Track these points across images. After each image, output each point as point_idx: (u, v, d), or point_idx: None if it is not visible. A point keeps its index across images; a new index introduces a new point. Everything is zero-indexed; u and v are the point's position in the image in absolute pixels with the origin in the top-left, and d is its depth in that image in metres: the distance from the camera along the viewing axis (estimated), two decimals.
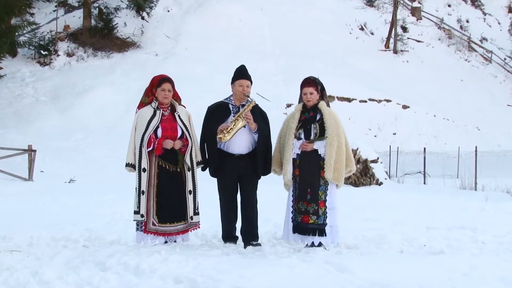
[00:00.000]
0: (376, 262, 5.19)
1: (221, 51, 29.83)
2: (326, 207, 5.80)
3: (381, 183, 16.14)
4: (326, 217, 5.79)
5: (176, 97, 6.09)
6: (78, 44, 28.96)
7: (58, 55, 28.01)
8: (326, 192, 5.82)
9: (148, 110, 5.94)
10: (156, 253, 5.37)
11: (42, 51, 27.41)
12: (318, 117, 5.91)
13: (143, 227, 5.90)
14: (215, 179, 6.20)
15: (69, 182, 14.76)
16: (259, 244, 6.00)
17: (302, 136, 5.89)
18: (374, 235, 6.51)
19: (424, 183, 17.33)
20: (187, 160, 5.91)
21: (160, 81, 5.93)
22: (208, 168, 6.15)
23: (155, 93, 5.95)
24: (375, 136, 26.48)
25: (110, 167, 17.94)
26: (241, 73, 6.17)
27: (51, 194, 11.18)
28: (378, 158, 17.01)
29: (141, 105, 6.03)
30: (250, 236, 6.05)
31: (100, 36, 29.05)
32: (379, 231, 6.83)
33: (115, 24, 30.16)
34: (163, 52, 29.39)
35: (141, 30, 31.18)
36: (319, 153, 5.81)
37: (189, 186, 5.94)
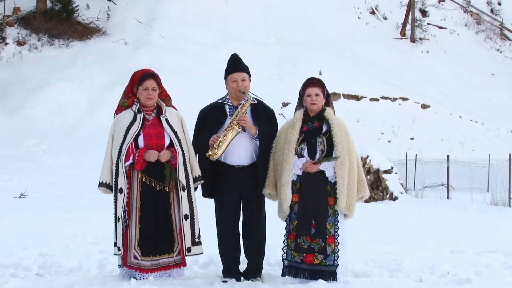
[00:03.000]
0: None
1: (204, 39, 29.83)
2: (338, 242, 5.54)
3: (396, 198, 16.18)
4: (338, 256, 5.52)
5: (165, 96, 5.85)
6: (30, 30, 28.87)
7: (6, 44, 27.90)
8: (337, 225, 5.57)
9: (127, 115, 5.68)
10: (125, 283, 5.36)
11: None
12: (324, 128, 5.68)
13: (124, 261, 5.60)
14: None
15: (19, 197, 14.70)
16: (260, 280, 5.84)
17: (305, 152, 5.62)
18: (387, 261, 6.52)
19: (448, 197, 17.36)
20: (181, 176, 5.62)
21: (141, 77, 5.67)
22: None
23: (137, 93, 5.70)
24: (388, 141, 26.54)
25: (70, 179, 17.89)
26: (234, 65, 5.91)
27: None
28: (392, 168, 17.06)
29: (120, 109, 5.78)
30: (252, 271, 5.88)
31: (58, 21, 28.97)
32: (393, 255, 6.84)
33: (76, 7, 30.11)
34: (134, 40, 29.36)
35: (107, 14, 31.15)
36: (327, 175, 5.58)
37: (185, 209, 5.62)
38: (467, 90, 32.18)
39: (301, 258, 5.56)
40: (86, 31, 29.66)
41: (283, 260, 5.66)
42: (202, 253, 5.80)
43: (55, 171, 18.97)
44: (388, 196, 16.34)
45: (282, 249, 5.67)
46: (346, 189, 5.55)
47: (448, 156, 19.08)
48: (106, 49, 28.28)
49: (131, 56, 26.85)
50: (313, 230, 5.56)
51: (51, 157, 20.46)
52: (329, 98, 5.86)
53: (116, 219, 5.55)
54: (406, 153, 21.33)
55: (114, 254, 5.67)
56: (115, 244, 5.58)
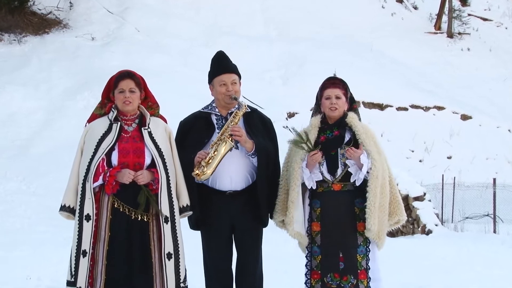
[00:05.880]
0: None
1: (189, 33, 29.89)
2: (370, 278, 5.51)
3: (429, 232, 16.17)
4: None
5: (152, 103, 5.75)
6: None
7: None
8: (368, 256, 5.54)
9: (101, 124, 5.61)
10: None
11: None
12: (347, 137, 5.69)
13: None
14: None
15: None
16: None
17: (324, 167, 5.59)
18: None
19: (494, 231, 17.38)
20: (163, 206, 5.46)
21: (116, 79, 5.60)
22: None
23: (114, 99, 5.62)
24: (420, 161, 26.56)
25: (22, 207, 17.84)
26: (221, 65, 5.87)
27: None
28: (425, 194, 17.07)
29: (94, 117, 5.70)
30: None
31: (8, 11, 29.02)
32: None
33: None
34: (103, 34, 29.41)
35: (69, 2, 31.23)
36: (352, 178, 5.51)
37: (168, 247, 5.45)
38: None
39: None
40: (43, 24, 29.70)
41: None
42: None
43: (3, 198, 18.93)
44: (420, 229, 16.34)
45: None
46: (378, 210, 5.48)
47: (494, 180, 19.10)
48: (68, 45, 28.30)
49: (99, 55, 26.87)
50: (341, 265, 5.50)
51: None
52: (354, 104, 5.86)
53: (80, 253, 5.35)
54: (442, 175, 21.34)
55: None
56: (72, 284, 5.35)
